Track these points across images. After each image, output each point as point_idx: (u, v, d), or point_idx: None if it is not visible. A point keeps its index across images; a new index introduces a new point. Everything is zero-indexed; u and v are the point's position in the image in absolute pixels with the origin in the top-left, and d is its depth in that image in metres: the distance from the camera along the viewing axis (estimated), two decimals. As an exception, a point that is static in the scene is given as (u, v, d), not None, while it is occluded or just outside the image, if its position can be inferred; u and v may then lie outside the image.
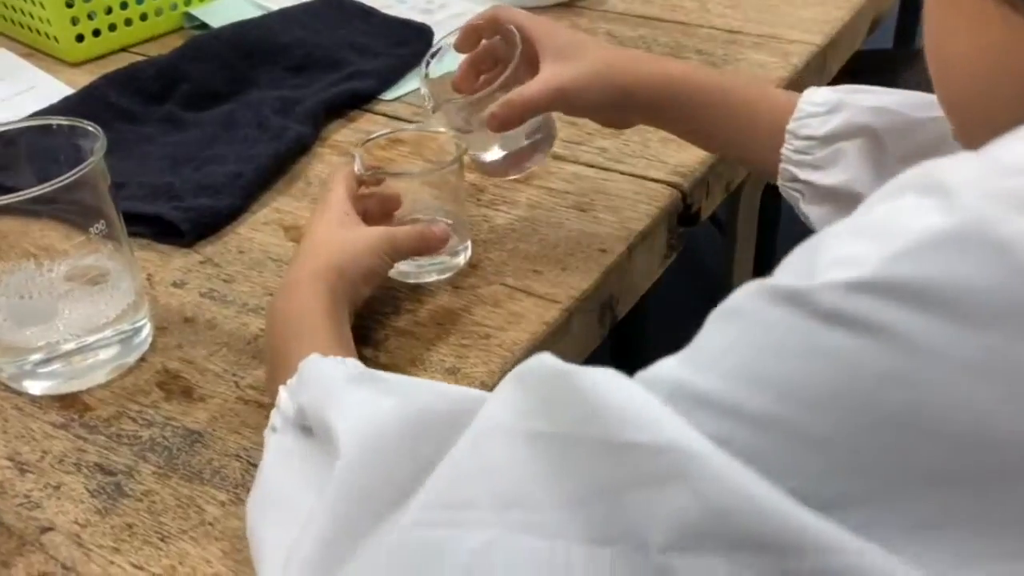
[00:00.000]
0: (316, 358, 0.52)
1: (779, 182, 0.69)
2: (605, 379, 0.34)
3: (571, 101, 0.68)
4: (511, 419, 0.37)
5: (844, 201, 0.65)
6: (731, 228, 1.21)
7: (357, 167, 0.68)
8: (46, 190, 0.56)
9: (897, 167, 0.62)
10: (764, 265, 1.50)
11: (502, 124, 0.67)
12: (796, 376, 0.31)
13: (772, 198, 1.45)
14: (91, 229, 0.60)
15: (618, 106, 0.70)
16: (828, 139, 0.65)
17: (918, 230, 0.30)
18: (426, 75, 0.72)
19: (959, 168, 0.32)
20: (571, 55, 0.68)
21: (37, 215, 0.59)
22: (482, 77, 0.72)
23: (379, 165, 0.72)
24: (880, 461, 0.30)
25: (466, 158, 0.71)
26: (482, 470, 0.36)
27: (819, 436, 0.31)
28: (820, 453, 0.31)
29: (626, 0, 1.16)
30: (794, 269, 0.33)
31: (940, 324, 0.29)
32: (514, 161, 0.74)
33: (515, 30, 0.69)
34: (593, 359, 0.71)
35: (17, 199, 0.56)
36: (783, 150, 0.67)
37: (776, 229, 1.55)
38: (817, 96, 0.67)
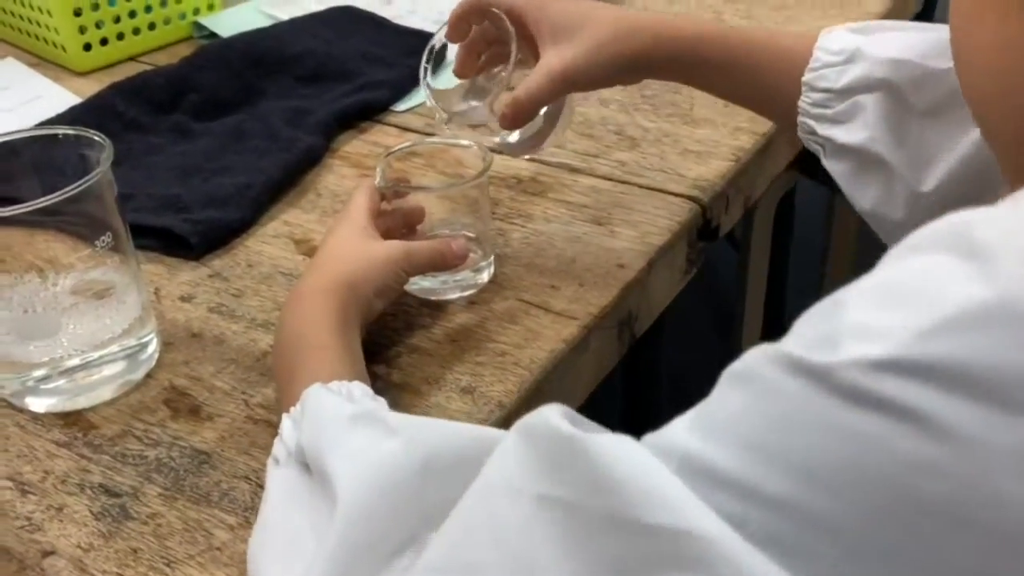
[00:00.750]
0: (318, 390, 0.50)
1: (800, 134, 0.66)
2: (613, 447, 0.32)
3: (579, 82, 0.65)
4: (520, 478, 0.34)
5: (865, 160, 0.62)
6: (744, 243, 1.19)
7: (378, 180, 0.67)
8: (51, 201, 0.55)
9: (920, 120, 0.60)
10: (778, 282, 1.48)
11: (513, 123, 0.65)
12: (815, 457, 0.29)
13: (786, 213, 1.43)
14: (97, 242, 0.59)
15: (629, 70, 0.66)
16: (845, 92, 0.62)
17: (952, 302, 0.27)
18: (427, 85, 0.70)
19: (997, 226, 0.29)
20: (569, 31, 0.64)
21: (42, 227, 0.57)
22: (482, 57, 0.70)
23: (404, 178, 0.70)
24: (903, 556, 0.28)
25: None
26: (491, 530, 0.34)
27: (838, 522, 0.28)
28: (838, 540, 0.28)
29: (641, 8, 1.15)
30: (812, 336, 0.30)
31: (977, 409, 0.27)
32: (536, 140, 0.71)
33: (502, 14, 0.65)
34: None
35: (22, 211, 0.54)
36: (800, 102, 0.64)
37: (790, 245, 1.53)
38: (833, 43, 0.63)
